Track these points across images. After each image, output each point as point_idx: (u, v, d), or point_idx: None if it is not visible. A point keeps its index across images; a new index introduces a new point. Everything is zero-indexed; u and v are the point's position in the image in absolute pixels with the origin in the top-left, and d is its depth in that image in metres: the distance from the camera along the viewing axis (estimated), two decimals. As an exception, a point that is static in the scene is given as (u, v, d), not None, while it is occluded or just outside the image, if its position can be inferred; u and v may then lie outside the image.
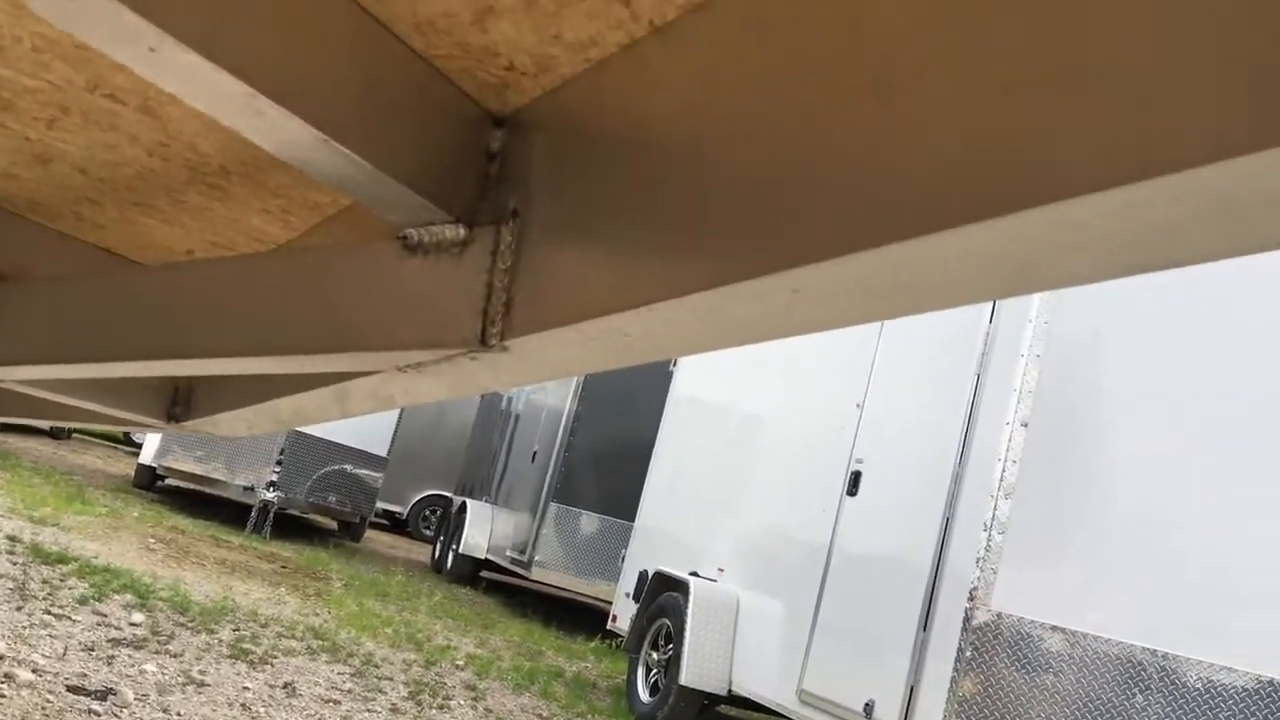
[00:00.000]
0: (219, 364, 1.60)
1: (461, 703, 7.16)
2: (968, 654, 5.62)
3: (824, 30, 0.96)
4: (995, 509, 5.82)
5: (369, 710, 6.39)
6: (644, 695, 8.19)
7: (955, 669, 5.65)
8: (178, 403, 2.31)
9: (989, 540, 5.80)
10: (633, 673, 8.43)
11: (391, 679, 7.24)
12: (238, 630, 7.37)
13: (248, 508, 13.13)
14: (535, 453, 12.65)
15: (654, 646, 8.25)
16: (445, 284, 1.33)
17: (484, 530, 13.46)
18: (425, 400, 1.74)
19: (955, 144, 0.79)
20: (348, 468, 14.25)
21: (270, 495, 13.05)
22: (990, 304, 6.28)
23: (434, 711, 6.76)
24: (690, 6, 1.10)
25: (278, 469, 13.18)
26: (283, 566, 10.96)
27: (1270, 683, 4.64)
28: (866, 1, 0.92)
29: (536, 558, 11.65)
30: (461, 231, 1.33)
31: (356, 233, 1.83)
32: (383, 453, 14.81)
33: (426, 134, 1.29)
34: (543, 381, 1.45)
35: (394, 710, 6.53)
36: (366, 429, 14.12)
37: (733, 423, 8.76)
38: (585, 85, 1.26)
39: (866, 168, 0.87)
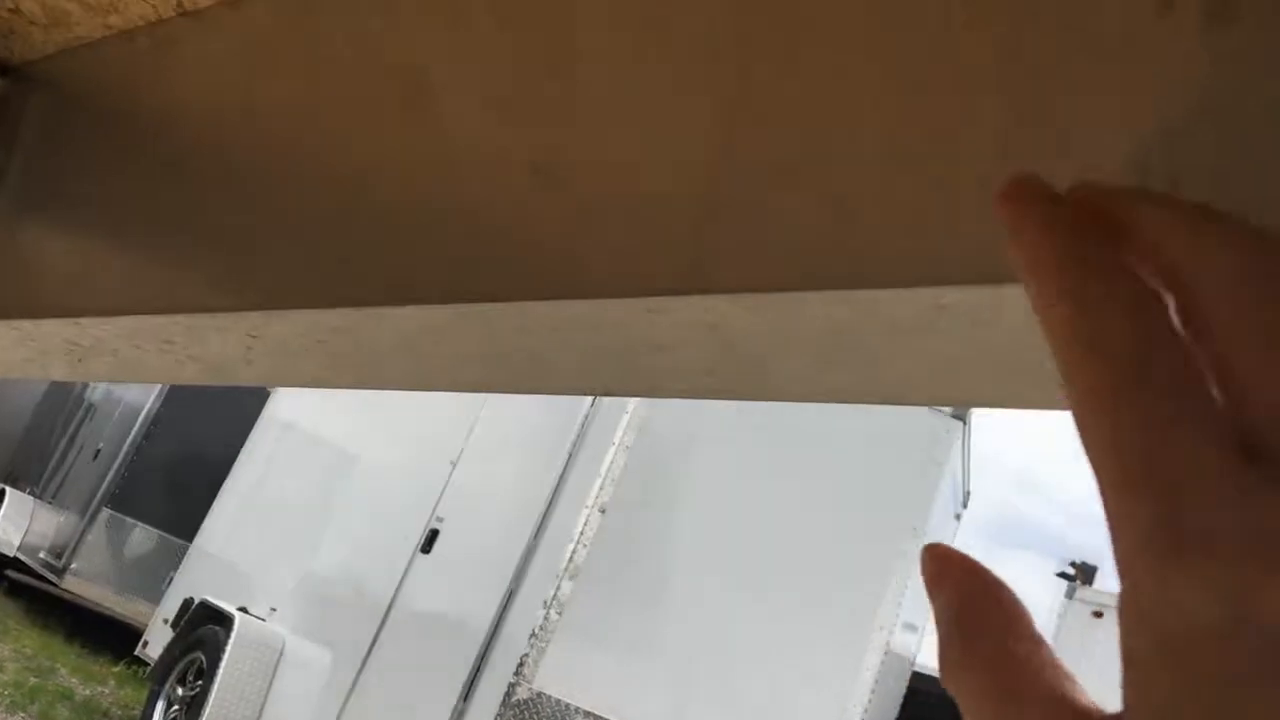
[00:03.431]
0: None
1: (-70, 720, 6.22)
2: (501, 729, 5.61)
3: (349, 45, 0.86)
4: (558, 587, 5.91)
5: None
6: (158, 732, 7.50)
7: (487, 742, 5.62)
8: None
9: (546, 617, 5.86)
10: (150, 706, 7.69)
11: None
12: None
13: None
14: (99, 450, 11.47)
15: (181, 681, 7.59)
16: None
17: (19, 525, 11.94)
18: None
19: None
20: None
21: None
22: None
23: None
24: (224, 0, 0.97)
25: None
26: None
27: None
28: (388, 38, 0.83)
29: (74, 565, 10.47)
30: (-82, 181, 1.10)
31: None
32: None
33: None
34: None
35: None
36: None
37: (323, 458, 8.39)
38: (104, 51, 1.09)
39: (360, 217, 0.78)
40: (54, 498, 12.06)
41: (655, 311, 0.58)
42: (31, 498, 12.45)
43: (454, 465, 7.04)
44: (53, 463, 12.67)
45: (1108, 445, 0.24)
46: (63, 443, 12.76)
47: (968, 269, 0.46)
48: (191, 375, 0.96)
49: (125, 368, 1.01)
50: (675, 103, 0.59)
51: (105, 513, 10.62)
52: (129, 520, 10.72)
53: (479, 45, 0.71)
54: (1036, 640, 0.26)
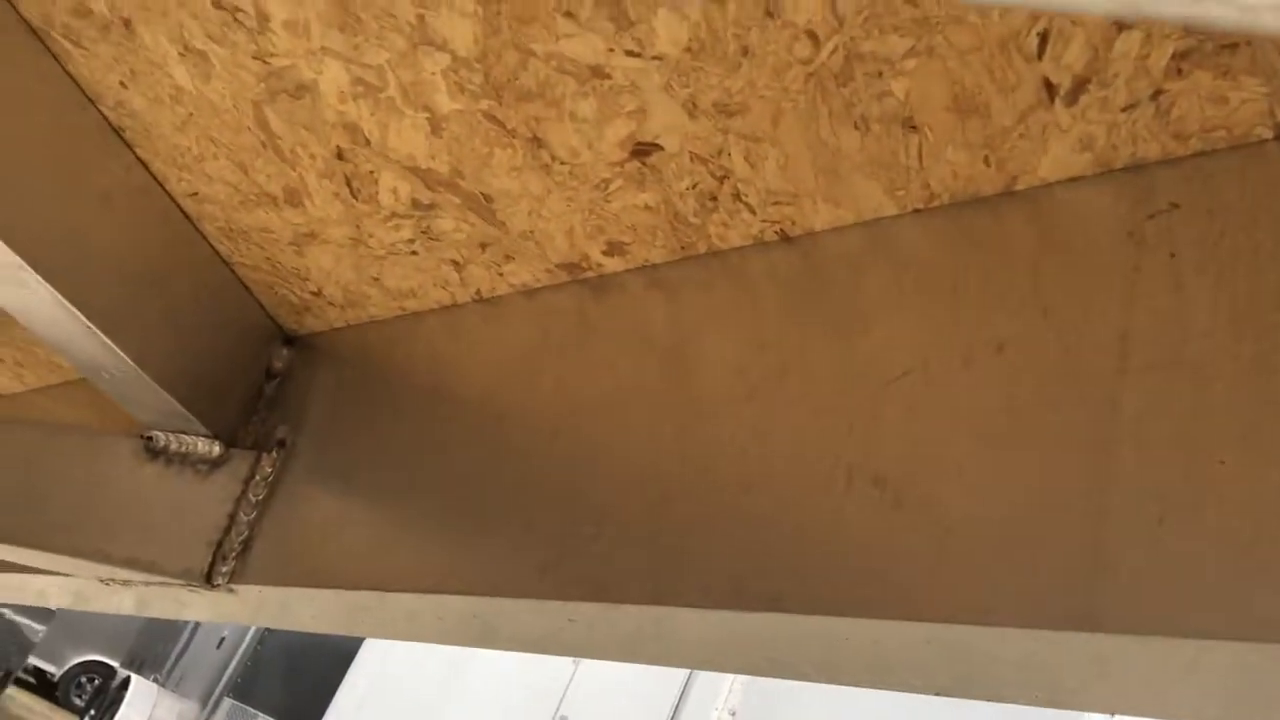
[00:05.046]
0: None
1: None
2: None
3: (651, 376, 0.93)
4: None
5: None
6: None
7: None
8: None
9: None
10: None
11: None
12: None
13: None
14: (223, 638, 11.64)
15: None
16: (183, 503, 1.19)
17: (143, 712, 12.06)
18: (116, 611, 1.53)
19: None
20: (6, 612, 12.68)
21: (-99, 628, 11.38)
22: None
23: None
24: (522, 289, 1.06)
25: (-80, 600, 11.55)
26: (-110, 716, 9.42)
27: None
28: (691, 353, 0.90)
29: (195, 756, 10.49)
30: (216, 449, 1.20)
31: (92, 407, 1.64)
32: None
33: (204, 338, 1.18)
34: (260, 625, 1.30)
35: None
36: (40, 574, 12.65)
37: (445, 650, 8.37)
38: (394, 329, 1.19)
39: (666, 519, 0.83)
40: (177, 685, 12.19)
41: (1037, 641, 0.61)
42: (155, 685, 12.61)
43: (577, 663, 6.96)
44: (177, 650, 12.86)
45: None
46: (186, 630, 12.98)
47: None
48: (504, 645, 1.00)
49: (417, 633, 1.07)
50: (1043, 430, 0.64)
51: (227, 702, 10.68)
52: (250, 710, 10.76)
53: (805, 351, 0.78)
54: None
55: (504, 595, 0.87)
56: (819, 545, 0.71)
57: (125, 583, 1.27)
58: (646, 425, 0.90)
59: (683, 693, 6.18)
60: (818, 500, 0.73)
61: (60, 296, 0.97)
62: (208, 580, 1.13)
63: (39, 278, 0.94)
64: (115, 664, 15.27)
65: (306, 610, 1.15)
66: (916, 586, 0.65)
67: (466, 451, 1.04)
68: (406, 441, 1.10)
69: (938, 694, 0.75)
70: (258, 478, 1.17)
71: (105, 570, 1.21)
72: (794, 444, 0.78)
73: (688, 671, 6.24)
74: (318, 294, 1.19)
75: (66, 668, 17.35)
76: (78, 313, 0.99)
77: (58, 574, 1.37)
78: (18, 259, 0.92)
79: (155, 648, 13.71)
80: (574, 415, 0.97)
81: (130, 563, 1.16)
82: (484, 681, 7.91)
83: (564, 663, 7.10)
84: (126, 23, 0.86)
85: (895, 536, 0.68)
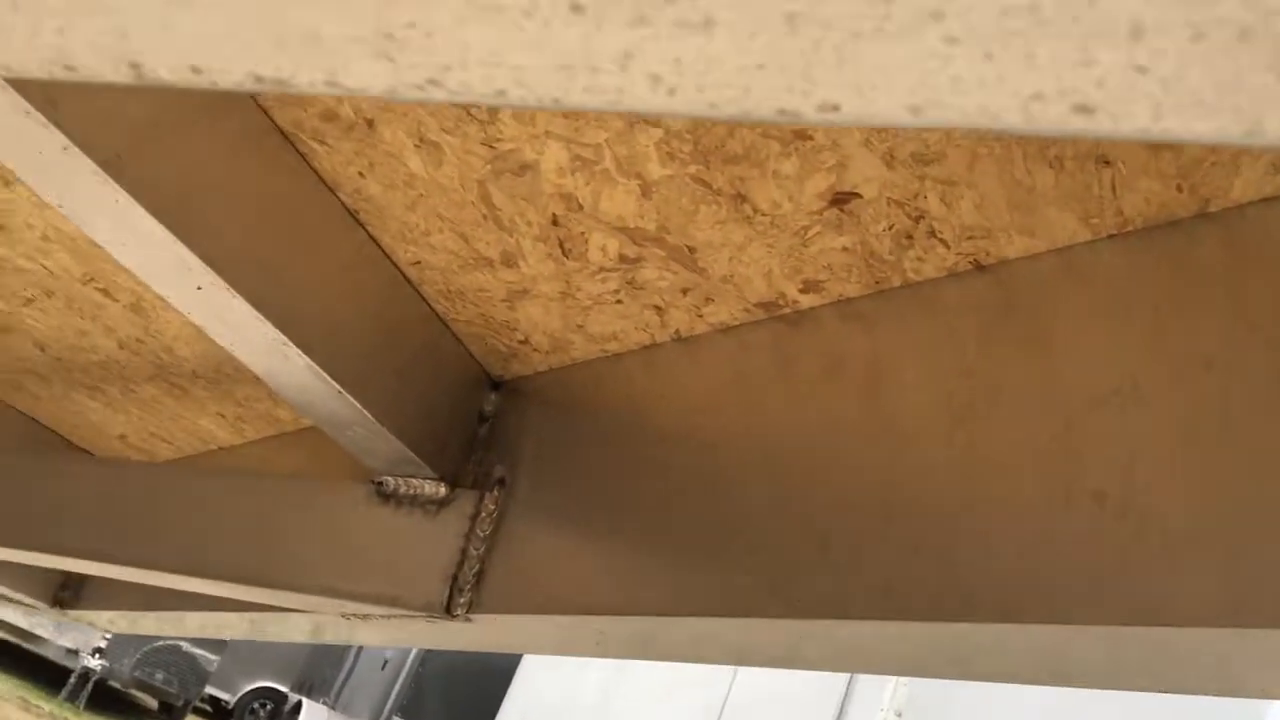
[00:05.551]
0: (141, 574, 1.52)
1: None
2: None
3: (846, 403, 1.00)
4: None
5: None
6: None
7: None
8: (67, 587, 2.17)
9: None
10: None
11: None
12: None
13: (68, 671, 12.14)
14: (386, 661, 12.06)
15: None
16: (416, 541, 1.30)
17: (316, 735, 12.60)
18: (353, 643, 1.67)
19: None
20: (183, 645, 13.37)
21: (95, 663, 12.12)
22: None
23: None
24: (720, 328, 1.14)
25: (108, 636, 12.29)
26: (90, 746, 10.05)
27: None
28: (890, 381, 0.96)
29: (368, 775, 10.91)
30: (442, 490, 1.31)
31: (309, 456, 1.79)
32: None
33: (426, 389, 1.30)
34: (489, 649, 1.40)
35: None
36: (213, 607, 13.29)
37: (604, 664, 8.52)
38: (595, 370, 1.29)
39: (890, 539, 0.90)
40: (346, 708, 12.69)
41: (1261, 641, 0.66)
42: (325, 708, 13.15)
43: (735, 670, 7.01)
44: (343, 674, 13.38)
45: None
46: (351, 654, 13.50)
47: None
48: (725, 661, 1.08)
49: (650, 650, 1.16)
50: (1258, 441, 0.69)
51: (396, 722, 11.10)
52: (419, 729, 11.16)
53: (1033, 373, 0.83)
54: None
55: (738, 615, 0.95)
56: (1046, 558, 0.77)
57: (364, 616, 1.39)
58: (852, 451, 0.96)
59: (845, 696, 6.17)
60: (1039, 516, 0.79)
61: (315, 366, 1.09)
62: (447, 611, 1.24)
63: (298, 351, 1.07)
64: (285, 689, 15.93)
65: (540, 639, 1.25)
66: (1151, 593, 0.71)
67: (675, 480, 1.12)
68: (616, 472, 1.19)
69: (1145, 690, 0.79)
70: (483, 514, 1.28)
71: (351, 606, 1.33)
72: (1007, 464, 0.83)
73: (848, 675, 6.24)
74: (524, 342, 1.29)
75: (240, 694, 18.15)
76: (330, 379, 1.11)
77: (300, 611, 1.50)
78: (282, 336, 1.04)
79: (322, 672, 14.27)
80: (778, 443, 1.04)
81: (376, 598, 1.28)
82: (642, 693, 8.03)
83: (722, 672, 7.16)
84: (370, 123, 0.98)
85: (1122, 547, 0.73)
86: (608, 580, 1.13)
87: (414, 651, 11.49)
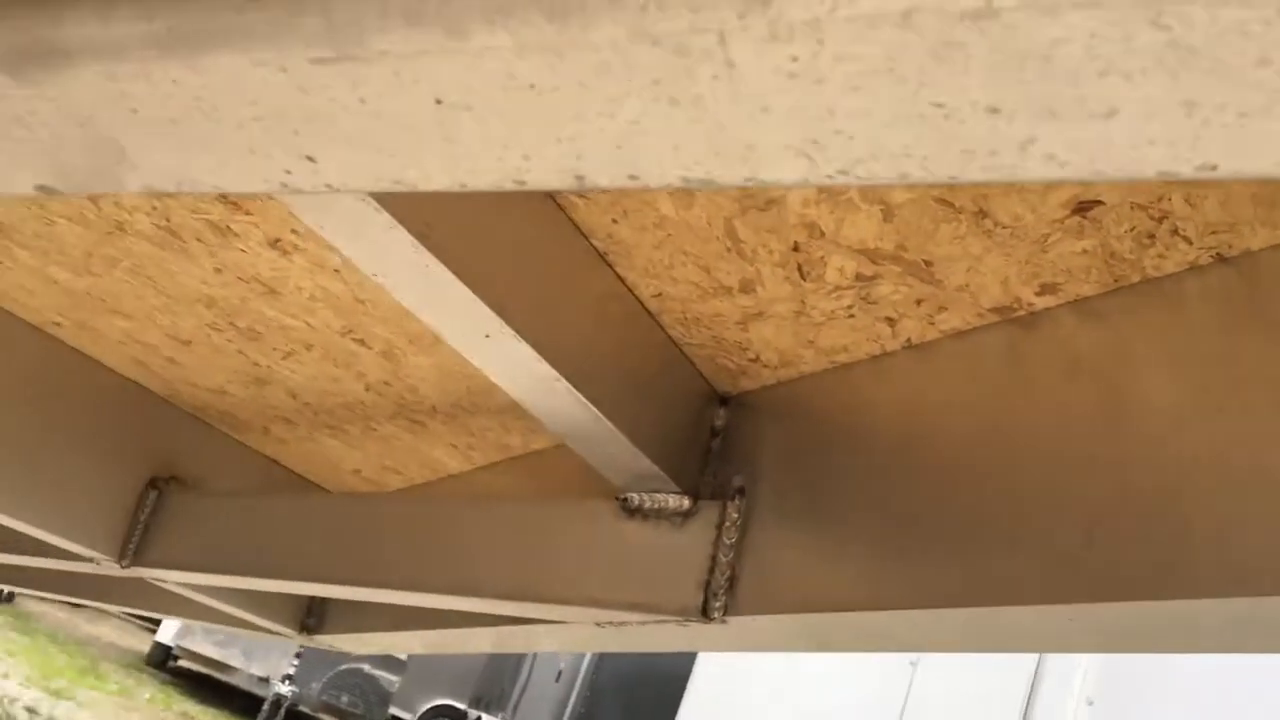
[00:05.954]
0: (409, 596, 1.66)
1: None
2: None
3: (1085, 397, 1.05)
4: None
5: None
6: None
7: None
8: (312, 614, 2.36)
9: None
10: None
11: None
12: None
13: (260, 699, 12.79)
14: (560, 671, 12.33)
15: None
16: (664, 551, 1.40)
17: (496, 748, 12.96)
18: (595, 650, 1.78)
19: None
20: (365, 667, 13.94)
21: (285, 689, 12.73)
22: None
23: None
24: (952, 334, 1.21)
25: (296, 662, 12.90)
26: (290, 766, 10.58)
27: None
28: (1133, 388, 1.01)
29: (551, 786, 11.17)
30: (686, 502, 1.41)
31: (530, 477, 1.91)
32: (403, 654, 14.48)
33: (665, 408, 1.39)
34: (735, 652, 1.49)
35: None
36: (390, 628, 13.80)
37: (773, 668, 8.54)
38: (823, 381, 1.37)
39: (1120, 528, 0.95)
40: (524, 720, 13.01)
41: None
42: (503, 721, 13.50)
43: (914, 665, 6.96)
44: (518, 687, 13.73)
45: None
46: (525, 666, 13.84)
47: None
48: (991, 649, 1.15)
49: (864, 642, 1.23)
50: None
51: (574, 733, 11.33)
52: (596, 739, 11.36)
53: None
54: None
55: (1011, 604, 1.02)
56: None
57: (619, 625, 1.50)
58: (1102, 442, 1.02)
59: (1032, 685, 6.07)
60: (1311, 492, 0.83)
61: (582, 397, 1.19)
62: (704, 614, 1.33)
63: (569, 385, 1.17)
64: (462, 706, 16.39)
65: (791, 638, 1.33)
66: None
67: (912, 479, 1.19)
68: (853, 475, 1.27)
69: None
70: (728, 523, 1.36)
71: (608, 615, 1.44)
72: (1260, 452, 0.88)
73: (1034, 663, 6.13)
74: (755, 360, 1.37)
75: (419, 713, 18.73)
76: (594, 408, 1.21)
77: (554, 622, 1.62)
78: (554, 372, 1.16)
79: (498, 686, 14.64)
80: (1019, 440, 1.10)
81: (635, 607, 1.39)
82: (819, 689, 8.01)
83: (901, 665, 7.11)
84: (628, 175, 1.08)
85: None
86: (854, 578, 1.20)
87: (587, 660, 11.71)
